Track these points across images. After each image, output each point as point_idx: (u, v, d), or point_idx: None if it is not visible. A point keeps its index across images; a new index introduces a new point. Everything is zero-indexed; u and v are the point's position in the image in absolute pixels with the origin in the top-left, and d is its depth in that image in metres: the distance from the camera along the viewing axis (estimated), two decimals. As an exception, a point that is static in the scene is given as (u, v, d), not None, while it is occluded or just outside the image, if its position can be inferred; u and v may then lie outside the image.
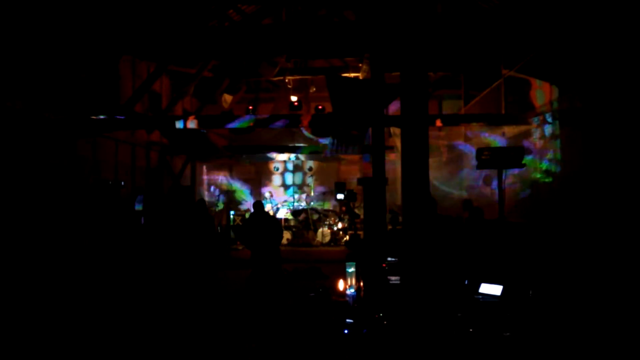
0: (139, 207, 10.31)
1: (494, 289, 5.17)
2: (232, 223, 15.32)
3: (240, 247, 14.46)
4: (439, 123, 11.22)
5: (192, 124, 9.06)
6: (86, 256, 8.10)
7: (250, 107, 12.51)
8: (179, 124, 9.38)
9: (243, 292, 8.50)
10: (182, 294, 8.04)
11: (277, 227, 8.73)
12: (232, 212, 15.57)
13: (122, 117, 9.74)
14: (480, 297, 5.12)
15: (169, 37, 8.41)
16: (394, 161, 12.51)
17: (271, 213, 14.84)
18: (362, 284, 5.86)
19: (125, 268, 8.56)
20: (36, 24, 7.11)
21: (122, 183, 10.50)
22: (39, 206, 7.86)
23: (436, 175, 11.91)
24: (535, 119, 8.65)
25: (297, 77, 14.23)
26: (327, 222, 15.23)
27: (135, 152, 12.41)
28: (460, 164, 12.51)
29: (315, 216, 15.69)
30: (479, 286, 5.26)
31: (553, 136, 8.16)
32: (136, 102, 11.07)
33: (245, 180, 17.66)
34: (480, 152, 5.83)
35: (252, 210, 16.24)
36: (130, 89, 11.61)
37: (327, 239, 14.83)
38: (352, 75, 13.03)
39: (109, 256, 8.45)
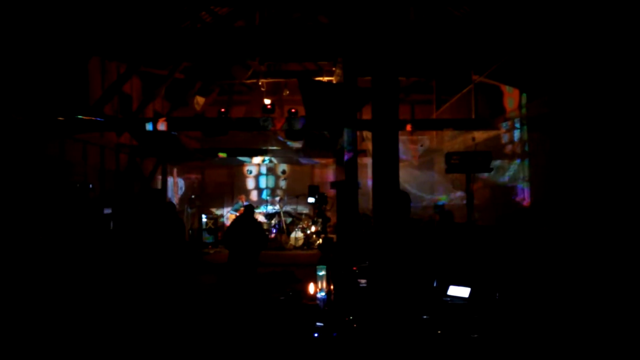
0: (107, 211, 10.12)
1: (462, 291, 5.25)
2: (204, 227, 15.17)
3: (212, 251, 14.33)
4: (409, 127, 11.34)
5: (162, 126, 8.95)
6: (53, 258, 7.90)
7: (222, 110, 12.39)
8: (148, 126, 9.25)
9: (214, 295, 8.41)
10: (152, 298, 7.91)
11: (260, 234, 8.72)
12: (204, 216, 15.41)
13: (91, 119, 9.56)
14: (449, 299, 5.19)
15: (140, 38, 8.29)
16: (367, 165, 12.58)
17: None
18: (332, 287, 5.87)
19: (93, 271, 8.39)
20: (3, 25, 6.93)
21: (91, 186, 10.29)
22: (5, 208, 7.65)
23: (408, 179, 12.01)
24: (505, 124, 8.81)
25: (271, 80, 14.19)
26: (301, 226, 15.22)
27: (105, 154, 12.18)
28: (432, 167, 12.66)
29: (289, 219, 15.65)
30: (447, 288, 5.33)
31: (522, 141, 8.32)
32: (106, 104, 10.88)
33: (218, 184, 17.52)
34: (449, 156, 5.92)
35: (227, 213, 16.32)
36: (100, 90, 11.40)
37: (301, 242, 14.82)
38: (326, 79, 13.05)
39: (77, 259, 8.27)
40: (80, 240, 8.77)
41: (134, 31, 8.33)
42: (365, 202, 11.24)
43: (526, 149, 8.11)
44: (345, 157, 8.13)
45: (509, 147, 8.74)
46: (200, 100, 13.18)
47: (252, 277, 8.32)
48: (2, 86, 7.83)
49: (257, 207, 15.99)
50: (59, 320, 6.55)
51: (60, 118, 8.80)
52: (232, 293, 8.28)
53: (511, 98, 9.06)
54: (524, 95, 8.42)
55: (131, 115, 12.67)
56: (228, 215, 16.07)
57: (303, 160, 15.43)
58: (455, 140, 11.23)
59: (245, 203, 15.68)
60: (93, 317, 6.86)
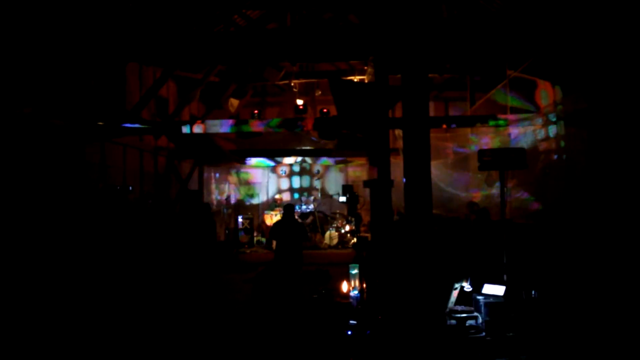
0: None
1: (497, 290, 5.19)
2: (240, 227, 15.39)
3: (248, 251, 14.54)
4: (444, 126, 11.22)
5: (198, 128, 9.15)
6: (94, 260, 8.20)
7: (256, 112, 12.56)
8: (185, 129, 9.48)
9: (248, 293, 8.56)
10: (187, 296, 8.12)
11: (300, 232, 9.00)
12: (240, 216, 15.64)
13: (130, 123, 9.88)
14: (483, 297, 5.15)
15: (175, 43, 8.51)
16: (399, 163, 12.52)
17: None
18: (365, 285, 5.90)
19: (132, 271, 8.66)
20: (44, 32, 7.24)
21: (130, 188, 10.60)
22: (48, 211, 7.97)
23: (442, 177, 11.90)
24: (540, 119, 8.65)
25: (303, 81, 14.28)
26: (335, 225, 15.26)
27: (143, 157, 12.52)
28: (467, 165, 12.50)
29: (323, 219, 15.72)
30: (482, 287, 5.28)
31: (557, 136, 8.15)
32: (143, 108, 11.18)
33: (253, 184, 17.75)
34: (482, 153, 5.85)
35: (262, 213, 16.52)
36: (137, 94, 11.73)
37: (335, 241, 14.86)
38: (358, 78, 13.06)
39: (116, 259, 8.55)
40: (120, 240, 9.05)
41: (169, 36, 8.56)
42: (399, 200, 11.20)
43: (562, 145, 7.94)
44: (377, 156, 8.12)
45: (545, 143, 8.57)
46: (234, 102, 13.37)
47: (296, 275, 8.50)
48: (43, 93, 8.16)
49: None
50: (95, 312, 6.81)
51: (100, 123, 9.10)
52: (270, 289, 8.40)
53: (546, 92, 8.88)
54: (560, 89, 8.24)
55: (168, 118, 12.98)
56: (263, 216, 16.27)
57: (331, 160, 15.42)
58: (490, 137, 11.08)
59: (280, 202, 15.89)
60: (129, 311, 7.10)
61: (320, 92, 14.96)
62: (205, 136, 11.16)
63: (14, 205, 7.29)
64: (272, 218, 15.34)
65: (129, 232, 9.48)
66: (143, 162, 12.50)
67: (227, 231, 15.20)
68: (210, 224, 9.49)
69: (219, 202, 16.79)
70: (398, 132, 11.35)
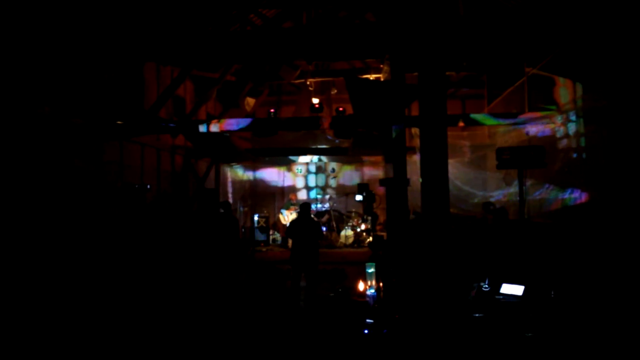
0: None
1: (516, 289, 5.14)
2: (256, 225, 15.45)
3: (264, 249, 14.59)
4: (461, 124, 11.13)
5: (215, 127, 9.20)
6: (112, 257, 8.29)
7: (272, 110, 12.58)
8: (202, 128, 9.53)
9: (265, 291, 8.60)
10: (203, 294, 8.17)
11: (316, 230, 9.03)
12: (256, 215, 15.70)
13: (147, 122, 9.97)
14: (502, 297, 5.10)
15: (192, 43, 8.56)
16: (416, 162, 12.45)
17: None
18: (381, 284, 5.88)
19: (149, 269, 8.74)
20: (63, 32, 7.33)
21: (148, 187, 10.70)
22: (68, 209, 8.08)
23: (459, 176, 11.81)
24: (559, 117, 8.53)
25: (319, 80, 14.27)
26: (351, 224, 15.24)
27: (161, 156, 12.62)
28: (484, 164, 12.38)
29: (339, 217, 15.71)
30: (500, 286, 5.23)
31: (577, 134, 8.03)
32: (161, 107, 11.27)
33: (269, 182, 17.81)
34: (500, 152, 5.79)
35: (278, 212, 16.60)
36: (155, 94, 11.82)
37: (351, 240, 14.84)
38: (374, 76, 13.01)
39: (135, 257, 8.64)
40: (138, 237, 9.15)
41: (186, 36, 8.62)
42: (415, 199, 11.14)
43: (582, 143, 7.83)
44: (393, 155, 8.09)
45: (564, 142, 8.45)
46: (250, 101, 13.41)
47: (314, 272, 8.53)
48: (62, 92, 8.26)
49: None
50: (106, 309, 6.88)
51: (119, 122, 9.19)
52: (288, 287, 8.41)
53: (565, 89, 8.75)
54: (580, 87, 8.12)
55: (185, 117, 13.07)
56: (279, 214, 16.32)
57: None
58: (508, 135, 10.96)
59: (295, 201, 15.92)
60: (144, 309, 7.16)
61: (336, 91, 14.94)
62: (222, 135, 11.22)
63: (34, 204, 7.40)
64: (288, 217, 15.38)
65: (147, 230, 9.58)
66: (160, 160, 12.60)
67: (243, 230, 15.28)
68: (232, 222, 9.54)
69: (235, 200, 16.87)
70: (414, 130, 11.30)
